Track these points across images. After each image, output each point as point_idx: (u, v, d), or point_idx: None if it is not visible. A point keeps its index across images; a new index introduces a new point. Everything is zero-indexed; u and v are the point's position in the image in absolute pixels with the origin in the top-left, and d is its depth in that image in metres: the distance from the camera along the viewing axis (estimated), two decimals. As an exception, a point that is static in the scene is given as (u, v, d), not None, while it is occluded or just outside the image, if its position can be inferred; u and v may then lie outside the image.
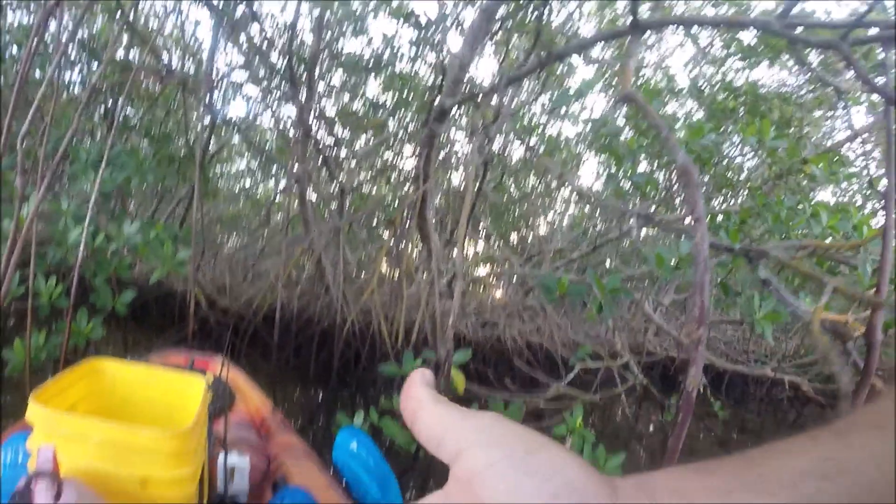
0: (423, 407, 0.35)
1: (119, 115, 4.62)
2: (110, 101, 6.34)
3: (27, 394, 2.80)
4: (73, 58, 5.67)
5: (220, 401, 2.28)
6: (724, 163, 6.11)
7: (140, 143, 6.64)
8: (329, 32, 6.92)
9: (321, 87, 7.59)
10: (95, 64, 5.69)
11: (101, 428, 1.10)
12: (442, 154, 6.03)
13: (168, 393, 1.50)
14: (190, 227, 4.95)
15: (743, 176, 6.62)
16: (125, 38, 4.44)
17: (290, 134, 7.17)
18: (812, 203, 3.76)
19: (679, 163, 1.73)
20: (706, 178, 5.93)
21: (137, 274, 6.00)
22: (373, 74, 7.62)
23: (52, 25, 3.60)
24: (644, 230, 8.17)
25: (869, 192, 6.55)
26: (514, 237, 10.37)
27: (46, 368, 3.50)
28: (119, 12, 4.92)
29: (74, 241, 3.40)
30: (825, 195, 6.92)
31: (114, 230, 3.67)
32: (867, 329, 2.06)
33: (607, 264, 8.38)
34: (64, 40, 3.60)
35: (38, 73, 4.69)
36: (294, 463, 2.06)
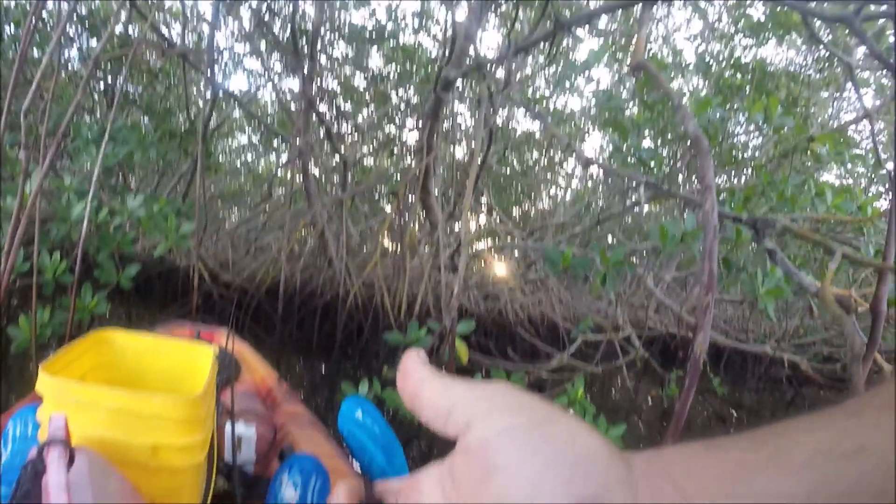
0: (425, 383, 0.33)
1: (120, 90, 4.60)
2: (110, 77, 6.32)
3: (33, 370, 2.83)
4: (71, 34, 5.64)
5: (226, 372, 2.30)
6: (730, 140, 6.07)
7: (141, 118, 6.63)
8: (331, 4, 6.86)
9: (323, 59, 7.56)
10: (94, 40, 5.65)
11: (112, 396, 1.11)
12: (445, 127, 5.99)
13: (176, 363, 1.50)
14: (193, 201, 4.95)
15: (748, 154, 6.60)
16: (124, 13, 4.40)
17: (292, 107, 7.14)
18: (817, 183, 3.76)
19: (691, 131, 1.73)
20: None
21: (140, 249, 6.02)
22: (375, 46, 7.58)
23: (50, 3, 3.57)
24: (647, 207, 8.16)
25: (874, 175, 6.52)
26: (516, 212, 10.36)
27: (51, 345, 3.52)
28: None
29: (77, 216, 3.41)
30: (830, 177, 6.91)
31: (117, 205, 3.67)
32: (873, 299, 2.06)
33: (610, 240, 8.38)
34: (63, 17, 3.56)
35: (35, 52, 4.67)
36: (300, 432, 2.09)
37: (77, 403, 1.12)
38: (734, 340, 7.12)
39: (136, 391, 1.14)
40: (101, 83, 6.44)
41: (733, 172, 6.80)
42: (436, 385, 0.33)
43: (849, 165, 6.57)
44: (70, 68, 5.68)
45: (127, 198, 3.69)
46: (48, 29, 4.83)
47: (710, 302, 1.46)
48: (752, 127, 5.86)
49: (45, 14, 4.03)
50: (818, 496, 0.24)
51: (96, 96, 6.67)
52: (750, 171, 6.54)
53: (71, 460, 0.95)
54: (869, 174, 6.79)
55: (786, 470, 0.25)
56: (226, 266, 7.06)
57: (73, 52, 5.95)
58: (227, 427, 1.75)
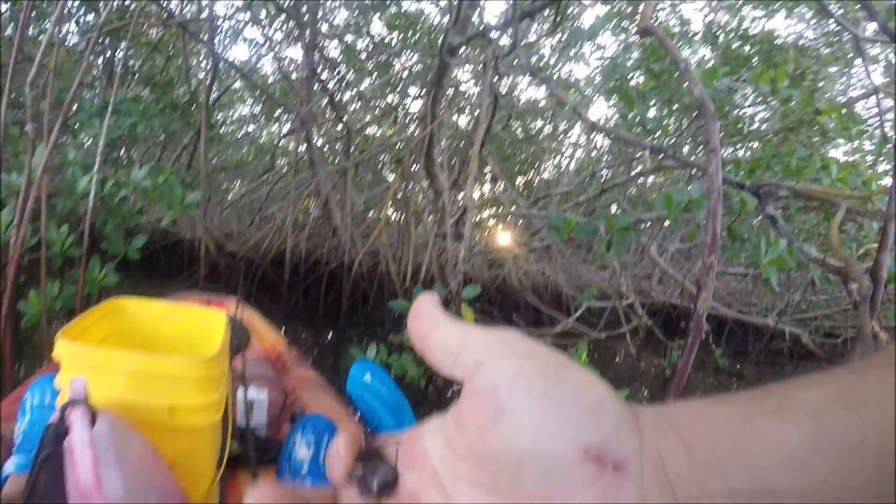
0: (437, 324, 0.33)
1: (119, 63, 4.59)
2: (109, 51, 6.29)
3: (45, 343, 2.86)
4: (70, 8, 5.60)
5: (237, 339, 2.33)
6: (736, 112, 6.01)
7: (142, 91, 6.60)
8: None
9: (325, 27, 7.50)
10: (92, 15, 5.61)
11: (130, 359, 1.14)
12: (449, 95, 5.97)
13: (189, 328, 1.53)
14: (197, 171, 4.95)
15: (754, 127, 6.55)
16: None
17: (294, 76, 7.10)
18: (823, 157, 3.74)
19: (696, 95, 1.74)
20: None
21: (146, 222, 6.04)
22: (378, 13, 7.51)
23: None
24: (652, 178, 8.13)
25: (881, 153, 6.47)
26: (520, 181, 10.33)
27: (62, 318, 3.53)
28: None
29: (83, 189, 3.41)
30: (836, 153, 6.86)
31: (123, 177, 3.68)
32: (874, 265, 2.08)
33: (614, 209, 8.36)
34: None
35: (30, 30, 4.64)
36: (310, 395, 2.13)
37: (95, 367, 1.14)
38: (737, 312, 7.14)
39: (153, 353, 1.16)
40: (101, 57, 6.42)
41: (739, 144, 6.77)
42: (447, 327, 0.32)
43: (856, 143, 6.52)
44: (68, 43, 5.65)
45: (132, 169, 3.70)
46: (44, 4, 4.79)
47: (713, 262, 1.48)
48: (759, 99, 5.81)
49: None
50: (823, 447, 0.25)
51: (95, 70, 6.64)
52: (756, 144, 6.51)
53: (92, 421, 0.98)
54: (875, 151, 6.74)
55: (790, 419, 0.26)
56: (231, 236, 7.09)
57: (72, 27, 5.93)
58: (240, 392, 1.79)
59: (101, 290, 3.57)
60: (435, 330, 0.33)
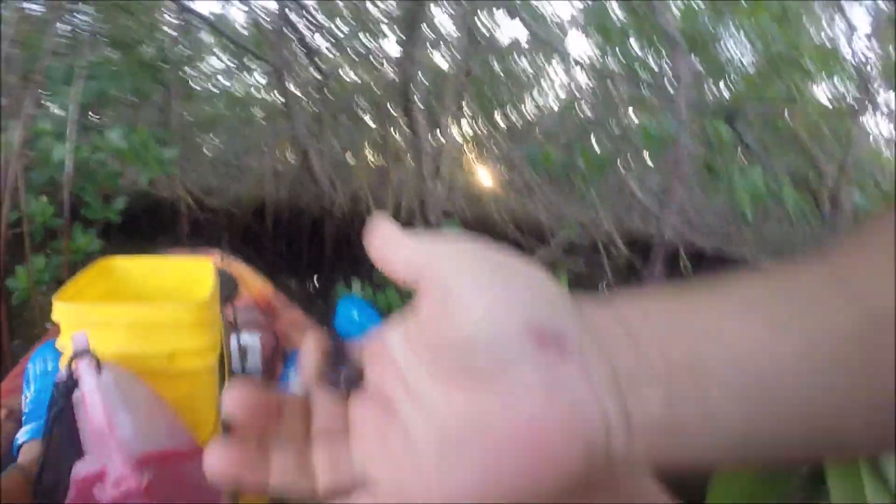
0: (394, 236, 0.34)
1: (86, 27, 4.49)
2: (72, 15, 6.13)
3: (38, 316, 2.89)
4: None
5: (226, 289, 2.39)
6: (720, 54, 5.94)
7: (109, 52, 6.46)
8: None
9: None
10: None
11: (126, 311, 1.19)
12: (426, 35, 5.89)
13: (177, 279, 1.58)
14: (172, 128, 4.92)
15: (737, 67, 6.51)
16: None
17: (265, 25, 6.97)
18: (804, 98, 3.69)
19: (667, 29, 1.77)
20: (701, 68, 5.80)
21: (124, 184, 6.00)
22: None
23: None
24: (634, 118, 8.10)
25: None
26: (501, 121, 10.25)
27: (51, 291, 3.52)
28: None
29: (59, 158, 3.38)
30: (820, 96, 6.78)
31: (97, 141, 3.65)
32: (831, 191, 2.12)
33: (597, 150, 8.31)
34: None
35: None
36: (300, 336, 2.19)
37: (94, 324, 1.19)
38: (715, 247, 7.23)
39: (147, 303, 1.22)
40: (62, 23, 6.25)
41: (722, 83, 6.72)
42: (406, 239, 0.33)
43: (839, 88, 6.46)
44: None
45: (107, 132, 3.68)
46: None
47: (676, 184, 1.54)
48: (742, 39, 5.73)
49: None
50: (754, 325, 0.26)
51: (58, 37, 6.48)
52: (739, 84, 6.47)
53: (99, 369, 1.04)
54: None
55: (727, 307, 0.27)
56: (210, 192, 7.06)
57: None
58: (233, 339, 1.85)
59: (85, 257, 3.57)
60: (392, 243, 0.34)
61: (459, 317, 0.28)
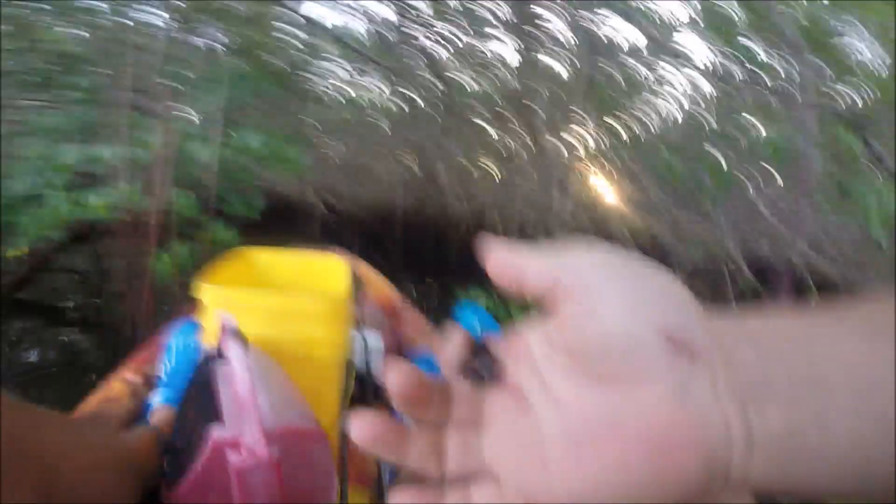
0: (514, 252, 0.35)
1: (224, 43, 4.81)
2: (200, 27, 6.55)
3: (179, 298, 3.13)
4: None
5: (354, 289, 2.48)
6: (848, 52, 5.56)
7: (241, 62, 6.85)
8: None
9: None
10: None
11: (269, 297, 1.27)
12: (545, 43, 5.90)
13: (311, 273, 1.67)
14: (305, 135, 5.16)
15: (868, 68, 6.09)
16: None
17: (388, 36, 7.19)
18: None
19: (787, 32, 1.69)
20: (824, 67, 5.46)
21: (259, 185, 6.35)
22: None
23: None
24: (763, 130, 7.71)
25: None
26: (622, 130, 10.05)
27: (192, 278, 3.82)
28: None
29: (203, 158, 3.67)
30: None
31: (238, 143, 3.92)
32: None
33: (724, 164, 7.99)
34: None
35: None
36: (422, 341, 2.25)
37: (236, 307, 1.28)
38: (846, 275, 6.78)
39: (289, 292, 1.29)
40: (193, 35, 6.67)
41: (850, 84, 6.28)
42: (529, 252, 0.34)
43: None
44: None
45: (247, 136, 3.94)
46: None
47: (805, 206, 1.46)
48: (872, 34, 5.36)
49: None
50: (878, 345, 0.27)
51: (186, 48, 6.92)
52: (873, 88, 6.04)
53: (244, 348, 1.11)
54: None
55: (850, 326, 0.28)
56: (338, 196, 7.33)
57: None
58: (358, 338, 1.92)
59: (225, 250, 3.83)
60: (526, 264, 0.34)
61: (599, 319, 0.30)
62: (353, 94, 10.72)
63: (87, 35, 4.74)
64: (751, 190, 5.44)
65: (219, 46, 4.68)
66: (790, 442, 0.26)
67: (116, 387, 1.66)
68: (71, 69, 4.18)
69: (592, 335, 0.30)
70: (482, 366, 0.35)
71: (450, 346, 0.36)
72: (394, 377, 0.33)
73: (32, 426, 0.55)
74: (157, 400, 1.44)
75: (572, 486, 0.29)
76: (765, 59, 5.42)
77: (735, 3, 5.43)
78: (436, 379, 0.35)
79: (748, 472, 0.27)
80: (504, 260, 0.35)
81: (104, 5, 5.00)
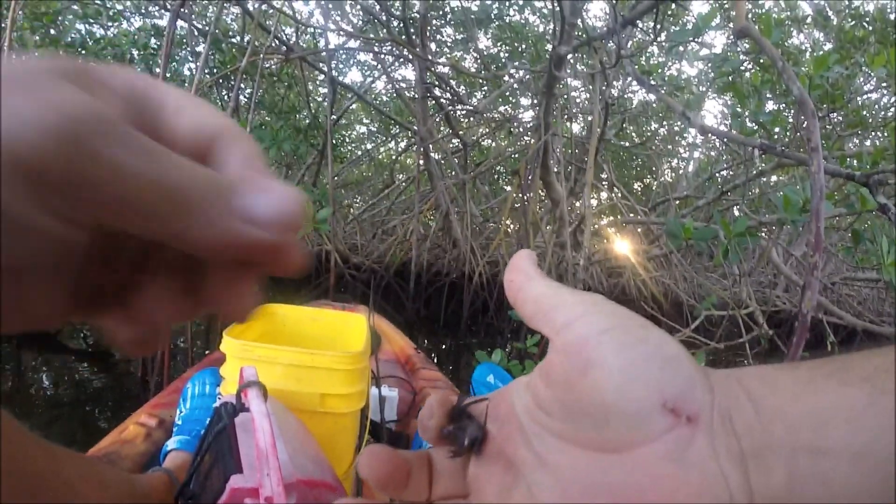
0: (532, 279, 0.34)
1: (254, 94, 4.99)
2: (232, 83, 6.78)
3: (190, 349, 3.21)
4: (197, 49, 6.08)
5: (370, 343, 2.53)
6: (858, 100, 5.62)
7: (266, 118, 7.05)
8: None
9: (433, 45, 7.75)
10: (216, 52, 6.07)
11: (288, 353, 1.33)
12: (561, 103, 6.03)
13: (331, 329, 1.73)
14: (324, 188, 5.27)
15: (880, 115, 6.16)
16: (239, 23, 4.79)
17: (408, 94, 7.38)
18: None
19: (795, 94, 1.75)
20: (836, 117, 5.53)
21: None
22: (482, 29, 7.67)
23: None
24: (775, 178, 7.76)
25: None
26: (637, 186, 10.14)
27: (206, 329, 3.92)
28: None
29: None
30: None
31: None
32: None
33: (735, 212, 8.05)
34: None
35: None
36: (437, 393, 2.28)
37: (257, 360, 1.33)
38: (866, 322, 6.72)
39: (306, 349, 1.35)
40: (222, 90, 6.91)
41: (861, 134, 6.32)
42: (541, 283, 0.34)
43: None
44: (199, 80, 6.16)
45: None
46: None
47: (816, 262, 1.50)
48: (883, 84, 5.43)
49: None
50: (877, 405, 0.26)
51: (219, 102, 7.15)
52: (882, 133, 6.09)
53: (265, 400, 1.16)
54: None
55: (849, 382, 0.27)
56: (355, 249, 7.44)
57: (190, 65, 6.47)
58: (373, 390, 1.96)
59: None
60: (529, 283, 0.34)
61: (598, 381, 0.29)
62: (373, 150, 10.99)
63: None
64: (765, 239, 5.45)
65: (248, 102, 4.85)
66: (791, 499, 0.26)
67: (131, 429, 1.72)
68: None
69: (588, 397, 0.29)
70: (462, 429, 0.34)
71: (427, 413, 0.35)
72: (365, 461, 0.32)
73: (50, 463, 0.57)
74: (172, 444, 1.47)
75: None
76: (775, 112, 5.50)
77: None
78: (415, 454, 0.34)
79: None
80: (516, 278, 0.35)
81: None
